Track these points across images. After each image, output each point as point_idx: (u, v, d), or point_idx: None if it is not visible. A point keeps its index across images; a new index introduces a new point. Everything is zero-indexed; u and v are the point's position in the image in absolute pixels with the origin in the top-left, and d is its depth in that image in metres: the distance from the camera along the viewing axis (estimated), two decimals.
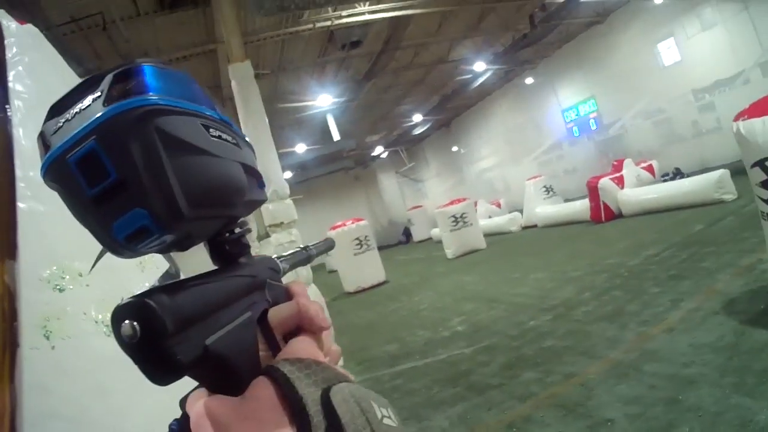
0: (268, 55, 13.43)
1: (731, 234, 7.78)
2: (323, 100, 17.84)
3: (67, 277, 1.46)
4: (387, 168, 35.21)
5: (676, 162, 16.23)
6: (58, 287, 1.44)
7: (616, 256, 8.66)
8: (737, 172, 11.09)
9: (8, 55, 1.85)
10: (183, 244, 0.51)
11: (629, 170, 13.91)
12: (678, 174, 15.25)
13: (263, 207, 7.28)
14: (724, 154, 14.36)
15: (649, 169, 14.79)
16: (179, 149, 0.46)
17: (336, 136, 18.67)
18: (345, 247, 13.94)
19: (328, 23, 12.41)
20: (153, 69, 0.47)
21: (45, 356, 1.28)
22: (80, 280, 1.50)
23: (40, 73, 1.92)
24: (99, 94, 0.45)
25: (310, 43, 13.90)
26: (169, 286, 0.45)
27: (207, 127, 0.51)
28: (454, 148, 31.20)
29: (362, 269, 14.40)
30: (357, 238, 14.30)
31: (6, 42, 1.87)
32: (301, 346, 0.55)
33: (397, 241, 32.29)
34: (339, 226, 14.50)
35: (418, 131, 28.53)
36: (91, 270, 1.51)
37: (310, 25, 12.33)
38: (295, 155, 22.11)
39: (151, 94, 0.45)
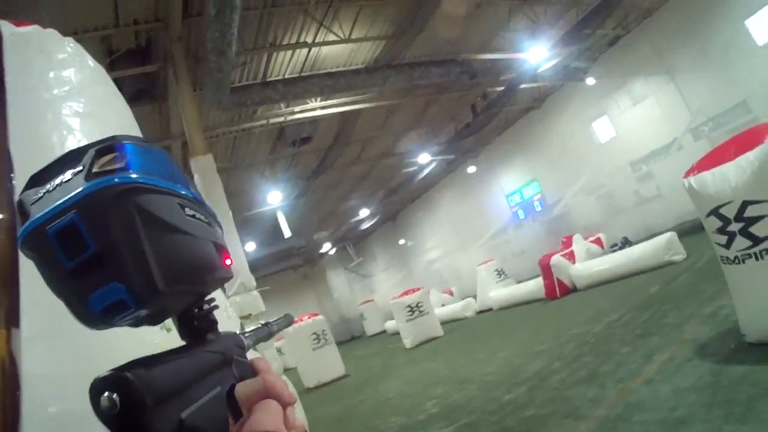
0: (220, 152, 13.60)
1: (688, 289, 8.05)
2: (273, 198, 17.94)
3: None
4: (335, 264, 35.08)
5: (622, 232, 16.81)
6: None
7: (579, 326, 8.75)
8: (683, 233, 11.64)
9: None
10: (155, 319, 0.53)
11: (579, 245, 14.30)
12: (626, 243, 15.73)
13: (231, 299, 7.21)
14: (667, 218, 15.10)
15: (598, 241, 15.25)
16: (157, 227, 0.48)
17: (287, 233, 18.69)
18: (303, 342, 13.73)
19: (281, 119, 12.71)
20: (133, 146, 0.50)
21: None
22: None
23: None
24: (81, 168, 0.47)
25: (261, 139, 14.16)
26: (145, 360, 0.46)
27: (183, 206, 0.53)
28: (401, 241, 31.48)
29: (322, 364, 14.04)
30: (314, 333, 14.07)
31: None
32: (267, 417, 0.57)
33: (351, 335, 31.82)
34: (296, 322, 14.29)
35: (364, 226, 28.81)
36: None
37: (264, 121, 12.61)
38: (246, 255, 21.88)
39: (131, 171, 0.47)
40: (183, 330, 0.60)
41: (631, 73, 16.36)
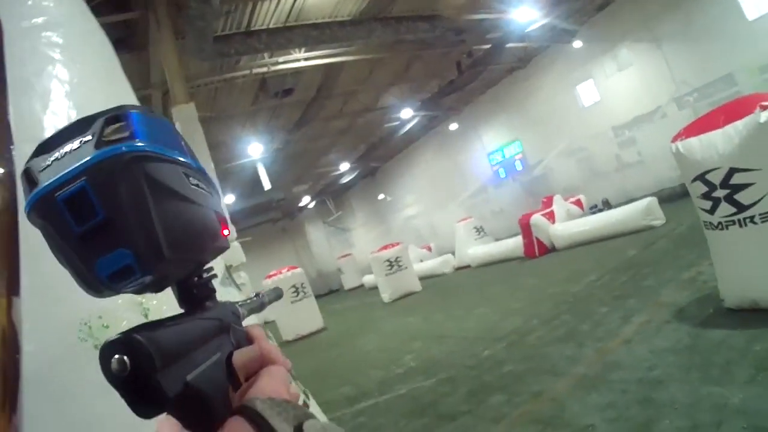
0: (200, 104, 13.37)
1: (667, 254, 8.16)
2: (254, 150, 17.76)
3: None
4: (314, 218, 35.04)
5: (602, 195, 16.93)
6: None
7: (557, 286, 8.90)
8: (662, 200, 11.78)
9: None
10: (158, 286, 0.54)
11: (559, 206, 14.43)
12: (606, 205, 15.89)
13: None
14: (647, 184, 15.25)
15: (578, 203, 15.42)
16: (164, 195, 0.50)
17: (267, 185, 18.56)
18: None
19: (264, 70, 12.48)
20: (141, 116, 0.51)
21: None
22: None
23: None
24: (90, 137, 0.48)
25: (243, 91, 13.93)
26: (151, 324, 0.48)
27: (187, 175, 0.55)
28: (381, 196, 31.46)
29: (300, 317, 14.15)
30: (293, 286, 14.10)
31: None
32: (270, 384, 0.58)
33: (329, 289, 32.03)
34: (275, 275, 14.32)
35: (344, 180, 28.70)
36: None
37: (246, 72, 12.38)
38: (226, 207, 21.75)
39: (139, 140, 0.49)
40: (182, 297, 0.61)
41: (618, 38, 16.24)
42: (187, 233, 0.53)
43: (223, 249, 0.63)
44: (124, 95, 2.20)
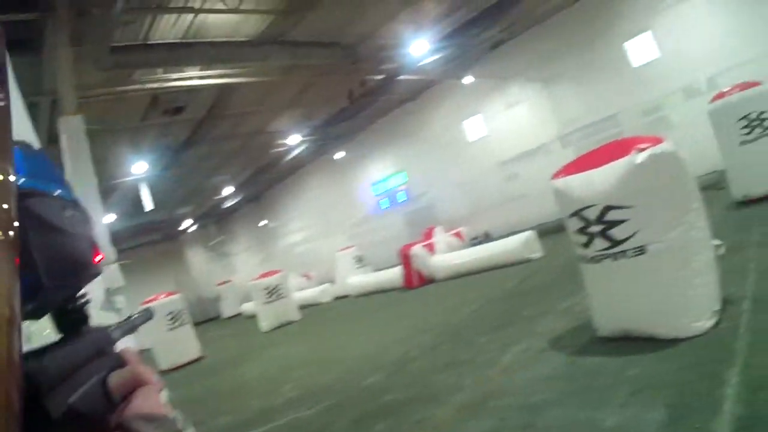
0: (89, 116, 12.68)
1: (544, 286, 8.52)
2: (138, 168, 17.02)
3: None
4: (195, 242, 34.12)
5: (485, 228, 17.54)
6: None
7: (437, 316, 9.05)
8: (542, 233, 12.33)
9: None
10: (38, 314, 0.56)
11: (439, 237, 14.80)
12: (486, 238, 16.42)
13: None
14: (529, 218, 15.92)
15: (458, 235, 15.87)
16: (42, 228, 0.51)
17: (149, 206, 17.81)
18: (159, 322, 13.00)
19: (157, 85, 12.05)
20: (21, 152, 0.52)
21: None
22: None
23: None
24: None
25: (133, 105, 13.36)
26: (34, 351, 0.49)
27: (63, 207, 0.56)
28: (264, 222, 31.06)
29: (178, 345, 13.54)
30: (170, 313, 13.52)
31: None
32: (145, 403, 0.60)
33: (207, 317, 31.05)
34: (152, 300, 13.66)
35: (228, 204, 28.16)
36: None
37: (139, 86, 11.90)
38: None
39: (20, 176, 0.49)
40: (59, 324, 0.61)
41: (509, 77, 17.08)
42: (64, 262, 0.54)
43: (96, 274, 0.64)
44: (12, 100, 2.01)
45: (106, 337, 0.68)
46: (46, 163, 0.56)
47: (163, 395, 0.67)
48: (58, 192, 0.56)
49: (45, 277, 0.50)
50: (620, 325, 4.55)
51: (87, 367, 0.57)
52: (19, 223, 0.45)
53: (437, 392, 5.17)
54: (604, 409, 3.48)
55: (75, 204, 0.60)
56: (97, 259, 0.63)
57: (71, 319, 0.62)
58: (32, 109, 11.47)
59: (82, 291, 0.63)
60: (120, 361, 0.66)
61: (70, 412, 0.48)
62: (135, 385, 0.63)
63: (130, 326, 0.85)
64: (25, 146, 0.53)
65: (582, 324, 5.48)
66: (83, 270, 0.60)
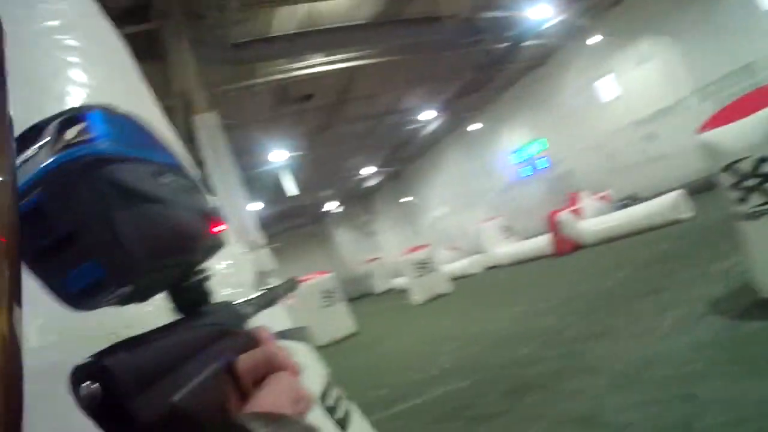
0: (223, 111, 13.51)
1: (697, 247, 8.05)
2: (277, 156, 17.84)
3: None
4: (341, 223, 35.17)
5: (629, 190, 16.70)
6: None
7: (589, 282, 8.81)
8: (690, 192, 11.60)
9: None
10: (143, 295, 0.50)
11: (586, 202, 14.32)
12: (635, 200, 15.66)
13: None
14: (673, 178, 14.96)
15: (605, 198, 15.27)
16: (129, 198, 0.45)
17: (292, 191, 18.65)
18: (313, 300, 13.75)
19: (283, 76, 12.55)
20: (101, 114, 0.47)
21: None
22: None
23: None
24: (45, 142, 0.44)
25: (264, 97, 14.00)
26: (129, 341, 0.44)
27: (158, 174, 0.50)
28: (406, 199, 31.45)
29: (332, 322, 14.14)
30: (324, 291, 14.17)
31: None
32: (272, 398, 0.54)
33: (360, 293, 32.14)
34: (305, 280, 14.36)
35: (369, 183, 28.74)
36: None
37: (266, 78, 12.44)
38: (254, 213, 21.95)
39: (99, 141, 0.44)
40: (175, 304, 0.57)
41: (637, 33, 16.10)
42: (162, 236, 0.48)
43: (216, 247, 0.59)
44: (144, 99, 2.15)
45: (234, 315, 0.64)
46: (134, 126, 0.51)
47: (311, 377, 0.62)
48: (150, 157, 0.50)
49: (137, 255, 0.44)
50: None
51: (204, 353, 0.51)
52: (99, 194, 0.43)
53: (591, 362, 5.08)
54: None
55: (177, 169, 0.54)
56: (216, 230, 0.59)
57: (188, 298, 0.57)
58: (167, 111, 12.38)
59: (201, 266, 0.59)
60: (252, 342, 0.61)
61: (173, 413, 0.42)
62: (266, 369, 0.58)
63: (269, 299, 0.81)
64: (106, 107, 0.48)
65: (742, 286, 5.13)
66: (193, 243, 0.54)
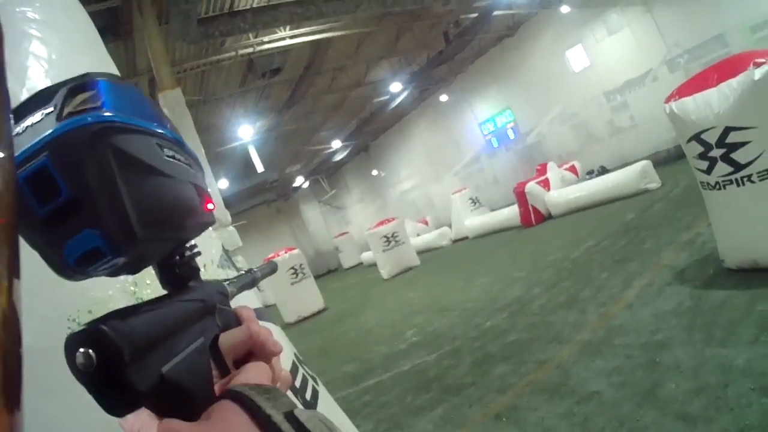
0: (188, 87, 13.21)
1: (664, 217, 8.14)
2: (244, 132, 17.63)
3: None
4: (309, 198, 35.00)
5: (597, 161, 16.82)
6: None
7: (556, 253, 8.90)
8: (657, 163, 11.76)
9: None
10: (134, 267, 0.50)
11: (553, 173, 14.41)
12: (602, 171, 15.81)
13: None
14: (641, 148, 15.19)
15: (572, 169, 15.39)
16: (134, 169, 0.45)
17: (259, 167, 18.47)
18: (281, 277, 13.58)
19: (250, 50, 12.35)
20: (108, 84, 0.47)
21: None
22: None
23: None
24: (52, 108, 0.44)
25: (230, 73, 13.78)
26: (122, 311, 0.44)
27: (161, 146, 0.50)
28: (375, 172, 31.36)
29: (301, 298, 14.13)
30: (292, 267, 14.02)
31: None
32: (255, 374, 0.56)
33: (327, 269, 32.18)
34: (273, 257, 14.27)
35: (337, 158, 28.55)
36: None
37: (232, 53, 12.23)
38: (220, 191, 21.75)
39: (106, 110, 0.44)
40: (163, 278, 0.57)
41: (607, 3, 16.07)
42: (162, 210, 0.49)
43: (207, 224, 0.59)
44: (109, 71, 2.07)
45: (218, 293, 0.64)
46: (139, 97, 0.51)
47: (281, 358, 0.62)
48: (154, 129, 0.50)
49: (138, 226, 0.44)
50: (748, 255, 4.28)
51: (191, 328, 0.52)
52: (104, 163, 0.43)
53: (559, 331, 5.16)
54: (732, 346, 3.35)
55: (177, 144, 0.54)
56: (209, 207, 0.59)
57: (177, 272, 0.57)
58: None
59: (192, 242, 0.59)
60: (234, 320, 0.64)
61: (163, 383, 0.44)
62: (249, 346, 0.61)
63: (250, 279, 0.83)
64: (112, 77, 0.48)
65: (706, 256, 5.25)
66: (189, 218, 0.54)
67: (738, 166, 3.98)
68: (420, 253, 17.07)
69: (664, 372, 3.41)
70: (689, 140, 4.30)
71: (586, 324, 4.99)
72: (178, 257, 0.57)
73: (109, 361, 0.39)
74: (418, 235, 20.68)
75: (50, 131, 0.42)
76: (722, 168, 4.10)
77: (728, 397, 2.86)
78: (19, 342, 0.34)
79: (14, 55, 1.61)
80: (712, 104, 4.01)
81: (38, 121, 0.43)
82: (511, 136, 21.20)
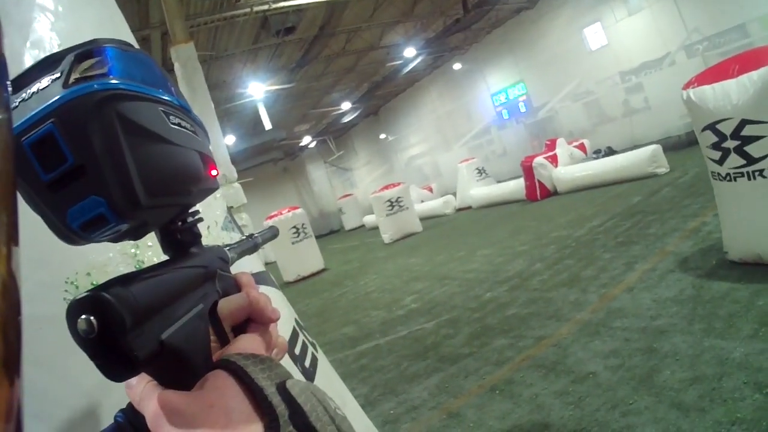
0: (201, 43, 13.09)
1: (671, 203, 8.08)
2: (254, 89, 17.51)
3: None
4: (315, 158, 34.90)
5: (607, 141, 16.71)
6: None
7: (560, 230, 8.90)
8: (667, 148, 11.66)
9: None
10: (137, 233, 0.50)
11: (562, 149, 14.30)
12: (611, 151, 15.73)
13: None
14: (653, 131, 15.06)
15: (581, 147, 15.28)
16: (139, 136, 0.45)
17: (268, 125, 18.38)
18: (282, 235, 13.61)
19: (265, 7, 12.18)
20: (115, 50, 0.47)
21: None
22: None
23: None
24: (58, 74, 0.44)
25: (244, 29, 13.64)
26: (124, 278, 0.44)
27: (167, 114, 0.50)
28: (383, 136, 31.22)
29: (301, 258, 14.29)
30: (294, 227, 14.11)
31: None
32: (250, 343, 0.56)
33: (329, 229, 32.27)
34: (275, 216, 14.31)
35: (346, 119, 28.41)
36: None
37: (247, 10, 12.08)
38: (227, 147, 21.66)
39: (113, 77, 0.44)
40: (165, 244, 0.58)
41: None
42: (166, 177, 0.49)
43: (210, 191, 0.59)
44: (118, 26, 2.02)
45: (219, 259, 0.65)
46: (147, 64, 0.51)
47: (281, 323, 0.63)
48: (161, 96, 0.50)
49: (142, 194, 0.44)
50: (753, 249, 4.28)
51: (191, 294, 0.53)
52: (110, 130, 0.43)
53: (559, 309, 5.18)
54: (731, 339, 3.37)
55: (183, 111, 0.55)
56: (213, 173, 0.59)
57: (179, 238, 0.58)
58: (144, 43, 11.99)
59: (195, 208, 0.60)
60: (234, 286, 0.64)
61: (163, 349, 0.44)
62: (247, 312, 0.61)
63: (251, 244, 0.84)
64: (120, 43, 0.48)
65: (711, 245, 5.25)
66: (193, 185, 0.55)
67: (751, 160, 3.96)
68: (423, 219, 17.06)
69: (662, 359, 3.44)
70: (704, 129, 4.27)
71: (587, 304, 5.01)
72: (180, 223, 0.58)
73: (109, 328, 0.39)
74: (422, 201, 20.64)
75: (57, 98, 0.42)
76: (735, 160, 4.08)
77: (723, 389, 2.90)
78: (19, 311, 0.34)
79: (18, 8, 1.57)
80: (730, 95, 3.97)
81: (45, 87, 0.43)
82: (523, 109, 21.05)
